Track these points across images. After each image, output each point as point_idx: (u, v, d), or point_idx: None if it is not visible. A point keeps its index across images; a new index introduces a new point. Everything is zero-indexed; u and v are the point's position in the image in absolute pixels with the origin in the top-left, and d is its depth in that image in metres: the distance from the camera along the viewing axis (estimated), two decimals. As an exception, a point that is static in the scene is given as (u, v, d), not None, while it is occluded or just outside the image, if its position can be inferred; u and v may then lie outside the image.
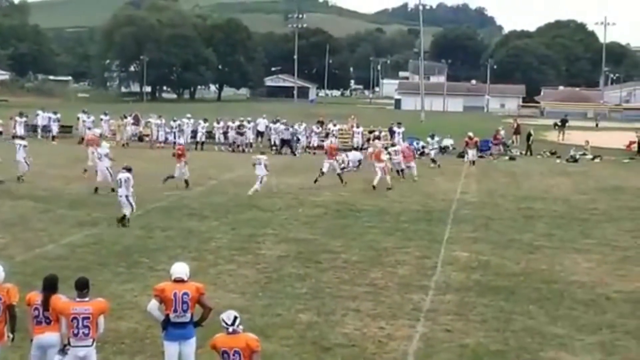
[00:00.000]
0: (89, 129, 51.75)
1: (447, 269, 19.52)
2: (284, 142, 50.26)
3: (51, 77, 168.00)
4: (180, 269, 11.35)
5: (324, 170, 34.53)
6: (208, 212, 26.48)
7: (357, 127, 51.86)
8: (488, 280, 18.42)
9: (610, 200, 32.08)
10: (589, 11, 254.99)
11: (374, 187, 32.80)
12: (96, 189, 29.97)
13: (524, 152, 53.16)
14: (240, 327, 9.88)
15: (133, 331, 14.14)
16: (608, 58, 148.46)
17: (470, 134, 46.27)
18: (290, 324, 14.43)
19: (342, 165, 36.62)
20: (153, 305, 11.31)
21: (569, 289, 17.81)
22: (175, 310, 11.06)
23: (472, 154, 45.35)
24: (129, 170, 24.37)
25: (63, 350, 10.78)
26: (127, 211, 23.93)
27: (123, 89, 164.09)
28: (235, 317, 9.82)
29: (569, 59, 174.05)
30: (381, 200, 30.24)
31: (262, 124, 53.70)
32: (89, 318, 10.61)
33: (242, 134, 50.60)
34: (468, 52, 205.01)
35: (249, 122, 52.38)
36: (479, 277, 18.69)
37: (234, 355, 9.66)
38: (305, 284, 17.62)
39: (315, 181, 33.78)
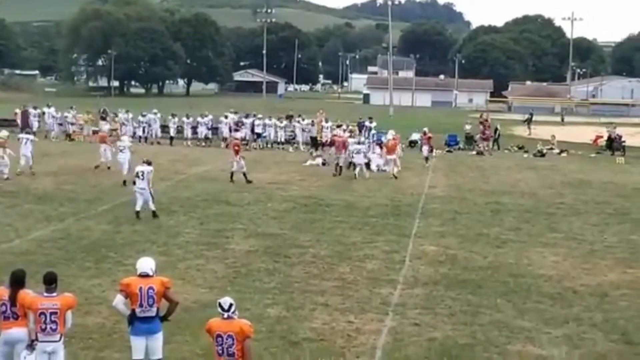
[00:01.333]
0: (60, 124, 51.57)
1: (415, 263, 19.58)
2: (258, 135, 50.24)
3: (17, 72, 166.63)
4: (145, 263, 11.31)
5: (341, 163, 34.87)
6: (176, 206, 26.33)
7: (326, 121, 51.67)
8: (456, 274, 18.51)
9: (576, 194, 32.33)
10: (556, 6, 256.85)
11: (395, 177, 34.85)
12: (124, 182, 30.06)
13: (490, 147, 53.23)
14: (236, 313, 10.10)
15: (101, 326, 14.06)
16: (575, 53, 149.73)
17: (425, 129, 44.93)
18: (258, 319, 14.38)
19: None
20: (119, 300, 11.27)
21: (536, 283, 17.93)
22: (141, 305, 11.04)
23: (425, 150, 42.68)
24: (149, 163, 24.64)
25: (31, 346, 10.71)
26: (151, 205, 24.23)
27: (91, 84, 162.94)
28: (231, 304, 10.05)
29: (536, 54, 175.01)
30: (349, 194, 30.25)
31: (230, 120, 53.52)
32: (56, 313, 10.55)
33: (238, 130, 49.79)
34: (436, 47, 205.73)
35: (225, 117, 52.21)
36: (447, 270, 18.77)
37: (227, 338, 9.87)
38: (274, 279, 17.60)
39: (335, 175, 34.58)
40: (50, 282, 10.74)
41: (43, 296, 10.64)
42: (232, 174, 32.12)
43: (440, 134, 53.51)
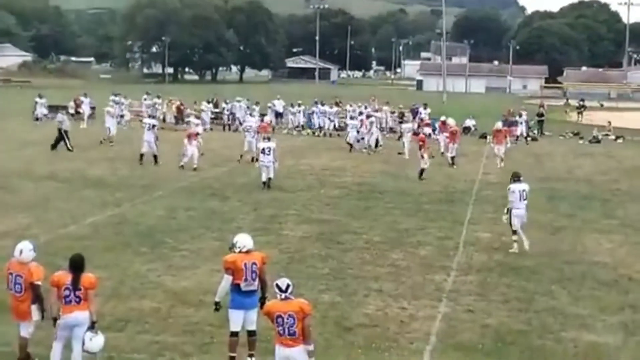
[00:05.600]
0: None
1: (469, 249, 19.52)
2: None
3: (73, 59, 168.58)
4: (247, 240, 11.84)
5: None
6: (230, 192, 26.55)
7: (379, 110, 51.27)
8: (510, 260, 18.40)
9: (632, 180, 31.93)
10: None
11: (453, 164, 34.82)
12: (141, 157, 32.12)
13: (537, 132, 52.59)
14: (293, 294, 10.33)
15: (156, 311, 14.21)
16: (631, 38, 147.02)
17: (443, 118, 41.41)
18: (312, 304, 14.33)
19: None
20: (227, 279, 11.64)
21: (591, 270, 17.79)
22: (246, 280, 11.53)
23: (442, 139, 38.09)
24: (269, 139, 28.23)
25: (93, 327, 10.99)
26: (272, 174, 27.35)
27: (145, 70, 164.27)
28: (289, 285, 10.30)
29: (592, 39, 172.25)
30: (402, 181, 30.22)
31: (278, 105, 53.67)
32: None
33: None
34: (490, 33, 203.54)
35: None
36: (501, 257, 18.68)
37: (288, 318, 10.09)
38: (327, 265, 17.67)
39: (420, 177, 30.82)
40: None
41: None
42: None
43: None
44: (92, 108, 53.48)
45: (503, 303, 15.21)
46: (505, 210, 19.44)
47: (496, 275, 17.12)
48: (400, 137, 40.74)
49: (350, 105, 50.91)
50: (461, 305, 15.04)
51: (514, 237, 19.16)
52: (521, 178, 19.57)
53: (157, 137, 33.46)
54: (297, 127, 50.46)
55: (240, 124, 47.22)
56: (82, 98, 52.66)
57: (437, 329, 13.67)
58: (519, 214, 19.07)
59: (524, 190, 19.15)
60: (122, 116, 47.90)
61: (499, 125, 37.22)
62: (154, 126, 33.88)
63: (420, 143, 31.04)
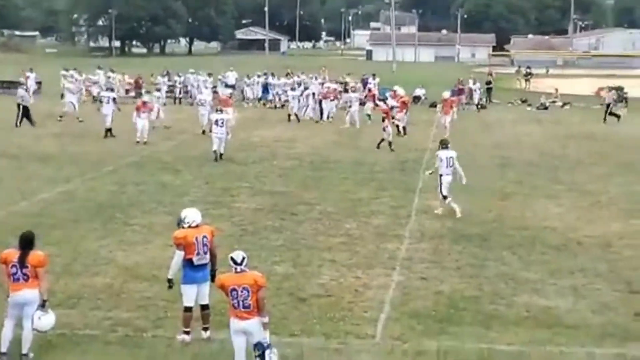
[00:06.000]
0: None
1: (421, 217, 19.69)
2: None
3: (17, 33, 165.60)
4: (196, 214, 11.80)
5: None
6: (181, 166, 26.41)
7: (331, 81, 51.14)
8: (461, 227, 18.59)
9: (580, 146, 32.37)
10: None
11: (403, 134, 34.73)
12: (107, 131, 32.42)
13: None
14: (247, 266, 10.35)
15: (109, 286, 14.12)
16: (577, 6, 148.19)
17: (396, 87, 40.44)
18: (266, 276, 14.25)
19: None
20: (179, 255, 11.60)
21: (540, 235, 18.04)
22: (198, 254, 11.53)
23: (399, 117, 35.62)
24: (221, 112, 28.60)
25: (43, 306, 10.87)
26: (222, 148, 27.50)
27: (92, 44, 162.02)
28: (244, 257, 10.35)
29: (538, 7, 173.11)
30: (355, 151, 30.28)
31: (231, 77, 53.33)
32: None
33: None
34: (438, 2, 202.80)
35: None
36: (452, 224, 18.86)
37: (242, 291, 10.12)
38: (281, 236, 17.68)
39: (378, 147, 30.77)
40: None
41: None
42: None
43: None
44: (38, 83, 52.60)
45: (455, 270, 15.36)
46: (430, 171, 20.75)
47: (448, 242, 17.29)
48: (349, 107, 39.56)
49: (298, 77, 50.54)
50: (414, 273, 15.16)
51: (447, 201, 19.78)
52: (449, 145, 20.29)
53: (116, 110, 33.51)
54: (255, 99, 49.87)
55: (192, 97, 46.93)
56: (28, 73, 51.68)
57: (391, 297, 13.78)
58: (446, 180, 19.82)
59: (451, 157, 19.90)
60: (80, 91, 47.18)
61: (446, 94, 37.34)
62: (114, 99, 33.93)
63: (384, 115, 30.91)
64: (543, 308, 13.37)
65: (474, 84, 51.45)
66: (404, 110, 35.60)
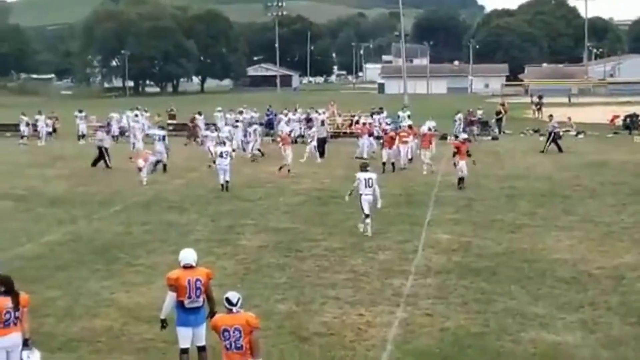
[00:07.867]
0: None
1: (428, 252, 19.36)
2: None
3: (34, 76, 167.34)
4: (190, 255, 11.60)
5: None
6: (188, 204, 26.25)
7: (339, 115, 51.12)
8: (469, 261, 18.27)
9: (593, 176, 31.97)
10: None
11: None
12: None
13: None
14: (242, 308, 10.16)
15: (108, 329, 13.93)
16: (591, 33, 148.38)
17: (409, 122, 40.41)
18: (268, 315, 14.22)
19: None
20: (171, 297, 11.46)
21: (550, 268, 17.67)
22: (189, 297, 11.34)
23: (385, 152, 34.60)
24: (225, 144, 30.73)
25: (27, 344, 10.78)
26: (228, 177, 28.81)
27: (106, 85, 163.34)
28: (239, 298, 10.15)
29: (551, 35, 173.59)
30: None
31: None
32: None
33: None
34: (450, 33, 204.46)
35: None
36: (460, 258, 18.54)
37: (234, 332, 9.92)
38: (285, 274, 17.44)
39: (383, 172, 31.50)
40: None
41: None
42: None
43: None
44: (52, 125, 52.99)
45: (461, 305, 15.04)
46: (349, 192, 21.79)
47: (455, 277, 16.97)
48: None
49: (292, 113, 50.18)
50: (419, 309, 14.86)
51: (367, 221, 20.94)
52: (368, 168, 21.76)
53: (168, 147, 34.62)
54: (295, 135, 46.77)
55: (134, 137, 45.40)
56: (37, 116, 51.81)
57: (394, 335, 13.47)
58: (366, 199, 21.08)
59: (369, 179, 21.18)
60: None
61: (423, 128, 36.85)
62: (164, 137, 34.75)
63: (455, 150, 30.03)
64: (551, 344, 13.02)
65: (457, 114, 50.76)
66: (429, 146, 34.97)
